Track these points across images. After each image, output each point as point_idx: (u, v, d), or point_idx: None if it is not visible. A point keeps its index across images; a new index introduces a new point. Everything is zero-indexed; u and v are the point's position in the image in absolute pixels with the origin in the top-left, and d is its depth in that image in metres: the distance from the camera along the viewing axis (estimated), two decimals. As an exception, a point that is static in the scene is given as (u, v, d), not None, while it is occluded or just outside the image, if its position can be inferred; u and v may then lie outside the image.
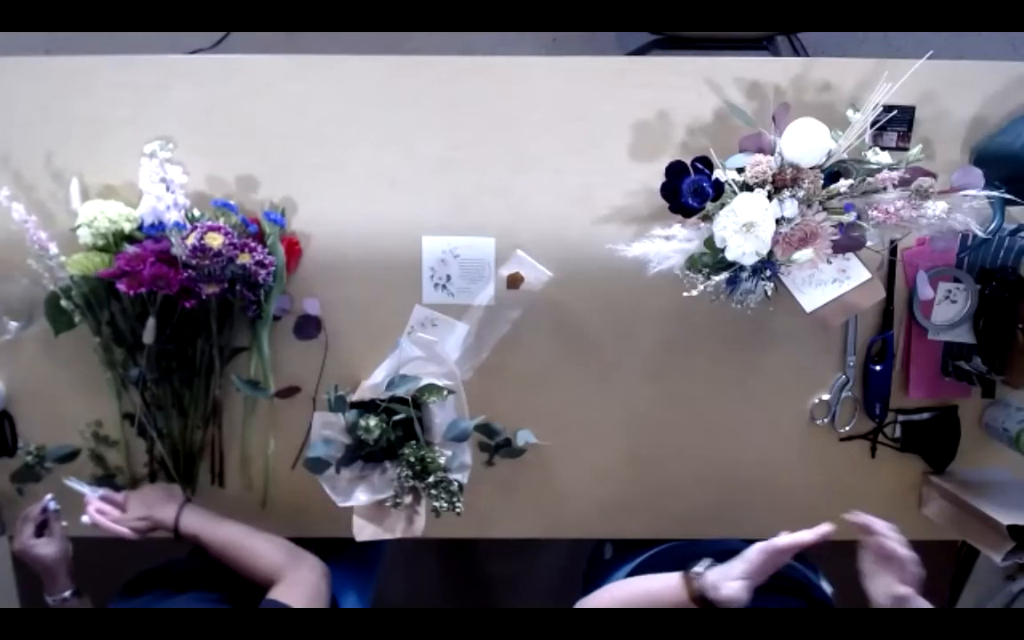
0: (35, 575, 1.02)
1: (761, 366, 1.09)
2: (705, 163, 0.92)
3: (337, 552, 1.14)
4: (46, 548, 1.00)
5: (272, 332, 1.05)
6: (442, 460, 1.00)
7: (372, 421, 0.98)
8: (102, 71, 1.03)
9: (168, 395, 1.05)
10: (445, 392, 1.01)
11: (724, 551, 1.06)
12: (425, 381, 1.01)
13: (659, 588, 0.89)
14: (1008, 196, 0.93)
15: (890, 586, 0.82)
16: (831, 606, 0.97)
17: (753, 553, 0.83)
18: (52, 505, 1.02)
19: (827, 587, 1.09)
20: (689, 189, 0.92)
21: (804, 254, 0.89)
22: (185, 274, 0.95)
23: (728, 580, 0.83)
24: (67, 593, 1.00)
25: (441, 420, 1.02)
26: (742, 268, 0.91)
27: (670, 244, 0.95)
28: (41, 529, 1.01)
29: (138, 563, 1.09)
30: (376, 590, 1.29)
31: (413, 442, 1.00)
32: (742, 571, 0.82)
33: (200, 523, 0.99)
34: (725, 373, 1.09)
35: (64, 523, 1.03)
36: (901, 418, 1.09)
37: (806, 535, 0.82)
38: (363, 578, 1.22)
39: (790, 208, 0.89)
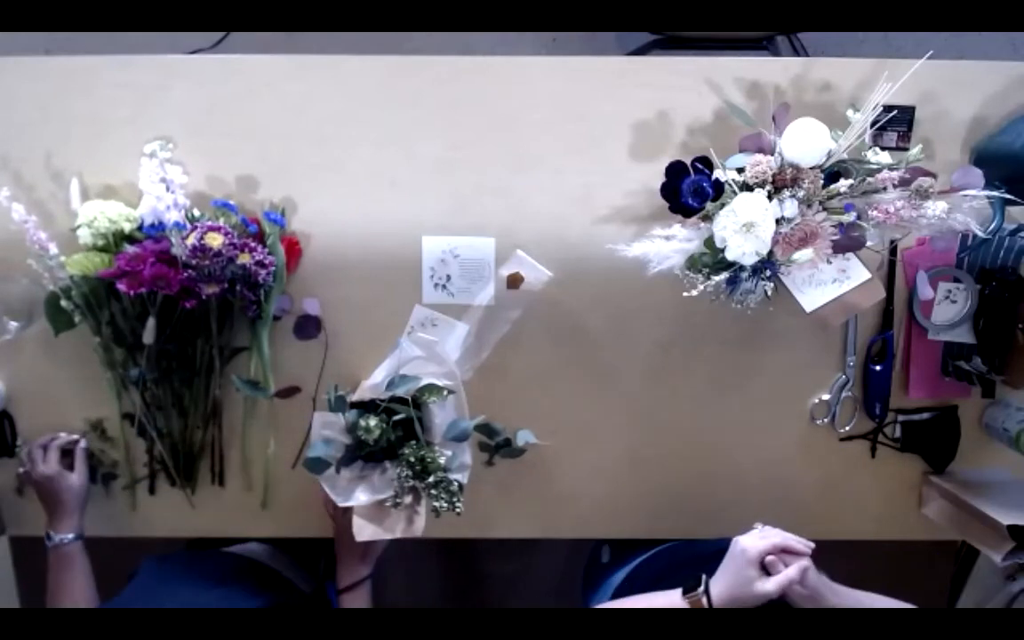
0: (35, 575, 1.01)
1: (761, 366, 1.09)
2: (705, 163, 0.92)
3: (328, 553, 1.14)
4: (74, 479, 0.99)
5: (272, 332, 1.05)
6: (442, 460, 1.00)
7: (372, 421, 0.98)
8: (102, 71, 1.03)
9: (168, 395, 1.05)
10: (445, 392, 1.01)
11: (722, 552, 1.06)
12: (425, 381, 1.01)
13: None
14: (1008, 196, 0.93)
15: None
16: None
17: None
18: (84, 443, 1.04)
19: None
20: (689, 189, 0.92)
21: (804, 254, 0.89)
22: (185, 274, 0.95)
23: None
24: (71, 534, 0.99)
25: (441, 420, 1.02)
26: (742, 268, 0.91)
27: (670, 244, 0.95)
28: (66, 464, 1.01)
29: (137, 566, 1.09)
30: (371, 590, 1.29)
31: (413, 442, 1.00)
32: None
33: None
34: (725, 373, 1.09)
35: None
36: (901, 418, 1.09)
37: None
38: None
39: (790, 208, 0.89)
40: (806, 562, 0.82)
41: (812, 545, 0.84)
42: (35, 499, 1.10)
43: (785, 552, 0.83)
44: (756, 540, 0.84)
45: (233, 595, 0.95)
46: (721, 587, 0.84)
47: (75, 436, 1.05)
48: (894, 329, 1.07)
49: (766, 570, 0.83)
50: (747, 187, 0.91)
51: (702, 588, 0.84)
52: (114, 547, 1.14)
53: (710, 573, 0.89)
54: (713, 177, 0.91)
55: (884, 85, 0.90)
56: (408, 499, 1.00)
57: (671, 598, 0.87)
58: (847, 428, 1.10)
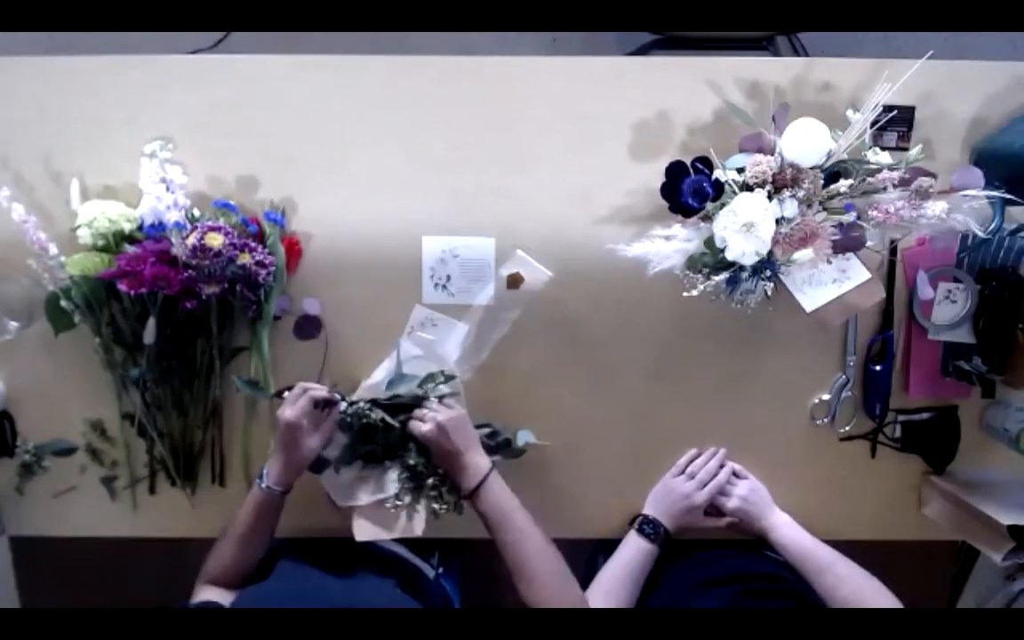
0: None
1: (761, 366, 1.09)
2: (705, 163, 0.92)
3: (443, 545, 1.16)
4: (310, 441, 0.94)
5: (272, 332, 1.05)
6: None
7: (353, 412, 0.98)
8: (102, 71, 1.03)
9: (168, 395, 1.05)
10: (443, 375, 1.01)
11: (718, 555, 1.06)
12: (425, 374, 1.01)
13: (633, 558, 1.02)
14: (1008, 196, 0.93)
15: None
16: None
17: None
18: (343, 405, 0.97)
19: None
20: (689, 189, 0.92)
21: (804, 254, 0.89)
22: (185, 274, 0.95)
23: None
24: (279, 488, 0.94)
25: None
26: (742, 268, 0.91)
27: (670, 244, 0.95)
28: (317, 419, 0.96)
29: (137, 566, 1.09)
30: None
31: (413, 442, 1.00)
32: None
33: (504, 497, 0.95)
34: (725, 373, 1.09)
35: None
36: (901, 418, 1.09)
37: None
38: None
39: (790, 208, 0.89)
40: (732, 465, 1.08)
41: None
42: (35, 499, 1.11)
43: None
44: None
45: (368, 581, 0.97)
46: (660, 511, 1.06)
47: (337, 396, 0.97)
48: (894, 329, 1.07)
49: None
50: (747, 187, 0.91)
51: (641, 518, 1.06)
52: (114, 547, 1.14)
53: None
54: (713, 177, 0.91)
55: (884, 85, 0.90)
56: (408, 499, 1.00)
57: (631, 542, 1.04)
58: (847, 428, 1.10)
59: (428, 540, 1.06)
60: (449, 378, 1.02)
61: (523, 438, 1.07)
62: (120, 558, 1.17)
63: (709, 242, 0.93)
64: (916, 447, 1.10)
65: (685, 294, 0.92)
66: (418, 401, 1.01)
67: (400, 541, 1.08)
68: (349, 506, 1.01)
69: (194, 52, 1.36)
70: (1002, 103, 1.02)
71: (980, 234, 0.92)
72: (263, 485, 0.94)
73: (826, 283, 0.95)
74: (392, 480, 1.00)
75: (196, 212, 1.01)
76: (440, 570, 1.12)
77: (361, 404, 0.99)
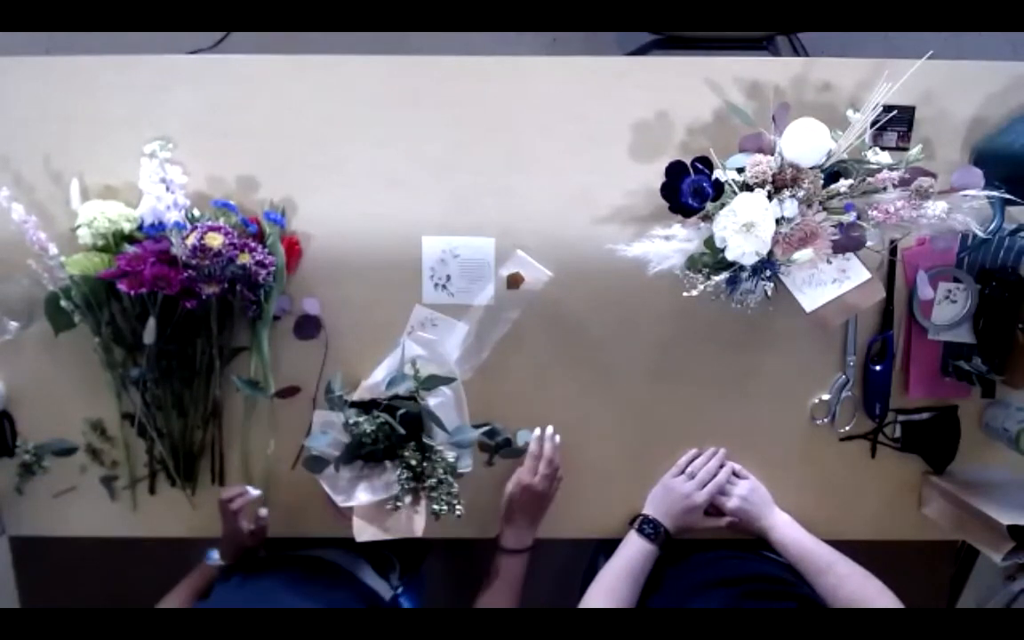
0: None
1: (761, 366, 1.09)
2: (705, 163, 0.92)
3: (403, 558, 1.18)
4: (239, 522, 1.01)
5: (272, 332, 1.05)
6: (451, 457, 1.00)
7: (362, 418, 0.98)
8: (102, 71, 1.03)
9: (168, 395, 1.05)
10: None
11: (718, 556, 1.06)
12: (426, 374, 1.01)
13: (633, 558, 1.02)
14: (1008, 196, 0.93)
15: None
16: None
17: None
18: (264, 513, 1.03)
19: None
20: (689, 189, 0.92)
21: (804, 254, 0.89)
22: (185, 274, 0.95)
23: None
24: (220, 561, 1.05)
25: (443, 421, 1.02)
26: (742, 268, 0.91)
27: (670, 244, 0.95)
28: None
29: (137, 566, 1.09)
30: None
31: (413, 443, 1.00)
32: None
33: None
34: (725, 373, 1.09)
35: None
36: (901, 418, 1.09)
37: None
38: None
39: (790, 208, 0.89)
40: (731, 465, 1.08)
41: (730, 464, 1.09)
42: (35, 499, 1.11)
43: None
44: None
45: (309, 598, 0.97)
46: (660, 511, 1.05)
47: (247, 492, 1.02)
48: (894, 329, 1.07)
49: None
50: (747, 187, 0.91)
51: (641, 518, 1.05)
52: (114, 547, 1.14)
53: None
54: (713, 177, 0.91)
55: (884, 85, 0.90)
56: (408, 500, 1.00)
57: (631, 542, 1.03)
58: (847, 428, 1.10)
59: (388, 556, 1.08)
60: (449, 380, 1.02)
61: (523, 438, 1.07)
62: (120, 558, 1.17)
63: (709, 242, 0.93)
64: (916, 447, 1.10)
65: (685, 294, 0.92)
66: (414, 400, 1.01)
67: (362, 556, 1.10)
68: (349, 506, 1.01)
69: (194, 52, 1.36)
70: (1002, 103, 1.02)
71: (980, 234, 0.92)
72: (209, 559, 1.03)
73: (826, 283, 0.95)
74: (392, 480, 1.00)
75: (196, 212, 1.01)
76: (399, 589, 1.12)
77: (366, 416, 0.99)
